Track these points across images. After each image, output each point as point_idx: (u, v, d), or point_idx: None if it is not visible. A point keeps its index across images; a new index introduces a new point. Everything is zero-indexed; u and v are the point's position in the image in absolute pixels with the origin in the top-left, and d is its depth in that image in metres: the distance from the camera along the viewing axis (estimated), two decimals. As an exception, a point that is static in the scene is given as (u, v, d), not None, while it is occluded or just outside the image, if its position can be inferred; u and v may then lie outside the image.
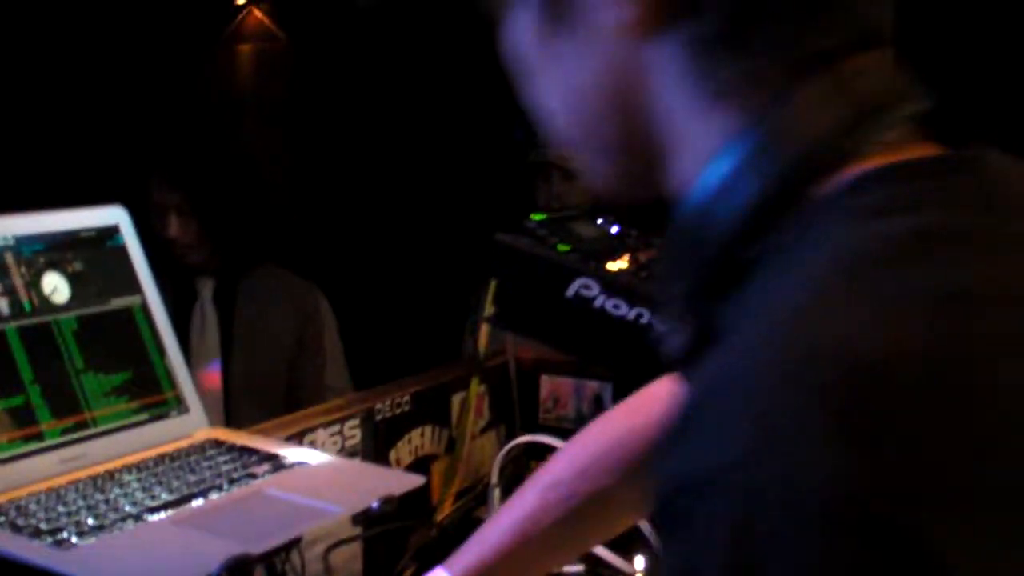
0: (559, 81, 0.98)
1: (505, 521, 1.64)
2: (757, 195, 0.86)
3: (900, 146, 0.87)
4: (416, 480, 1.80)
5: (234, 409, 3.42)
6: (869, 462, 0.65)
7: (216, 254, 3.48)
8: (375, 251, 5.66)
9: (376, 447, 2.36)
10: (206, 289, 3.51)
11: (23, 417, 1.69)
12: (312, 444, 2.16)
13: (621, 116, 0.95)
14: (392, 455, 2.43)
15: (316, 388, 3.64)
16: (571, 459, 1.69)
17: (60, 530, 1.51)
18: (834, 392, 0.67)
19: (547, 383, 2.80)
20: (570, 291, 2.21)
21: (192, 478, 1.70)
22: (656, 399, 1.61)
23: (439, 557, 2.32)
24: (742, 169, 0.87)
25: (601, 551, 2.21)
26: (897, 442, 0.65)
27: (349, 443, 2.27)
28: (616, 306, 2.17)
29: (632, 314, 2.16)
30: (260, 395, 3.49)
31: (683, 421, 0.73)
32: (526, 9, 0.98)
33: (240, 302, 3.52)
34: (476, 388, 2.64)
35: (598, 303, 2.19)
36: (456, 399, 2.64)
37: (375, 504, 1.65)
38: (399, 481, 1.79)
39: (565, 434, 2.41)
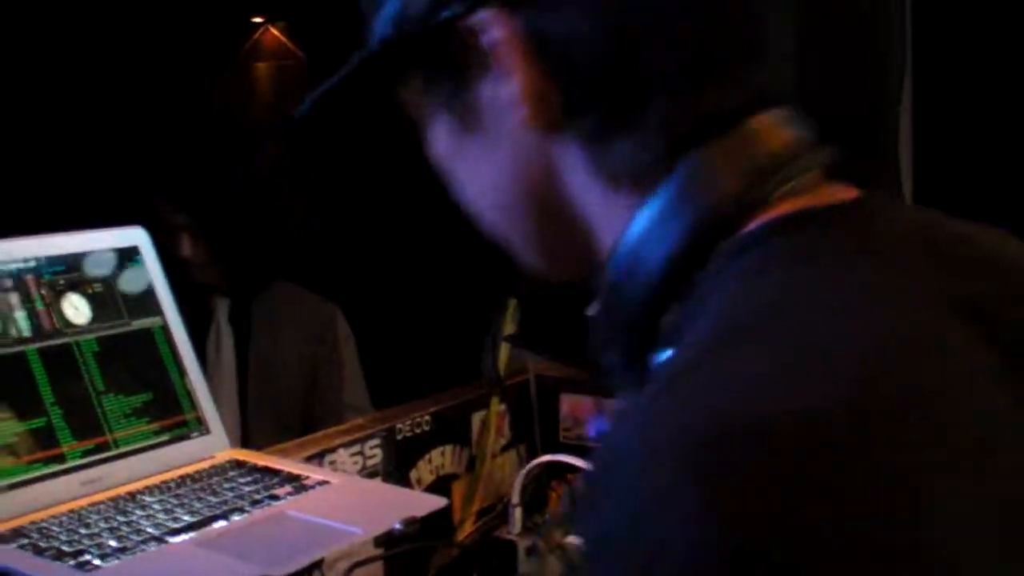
0: (477, 179, 1.04)
1: None
2: (664, 259, 0.88)
3: (805, 193, 0.89)
4: (438, 501, 1.79)
5: (251, 429, 3.41)
6: (733, 526, 0.66)
7: (229, 273, 3.47)
8: (393, 269, 5.66)
9: (397, 467, 2.35)
10: (221, 308, 3.50)
11: (44, 439, 1.69)
12: (333, 464, 2.16)
13: (537, 205, 0.99)
14: (413, 475, 2.42)
15: (334, 406, 3.62)
16: None
17: (83, 552, 1.50)
18: (701, 463, 0.67)
19: (567, 402, 2.79)
20: (591, 310, 2.20)
21: (214, 500, 1.69)
22: None
23: (460, 577, 2.34)
24: (649, 236, 0.90)
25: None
26: (763, 504, 0.66)
27: (370, 463, 2.27)
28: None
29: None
30: (277, 414, 3.48)
31: (587, 489, 0.75)
32: (441, 118, 1.03)
33: (255, 321, 3.50)
34: (496, 407, 2.63)
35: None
36: (476, 418, 2.63)
37: (397, 526, 1.65)
38: (421, 502, 1.79)
39: (585, 453, 2.41)
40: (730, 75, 0.91)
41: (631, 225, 0.91)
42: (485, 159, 1.01)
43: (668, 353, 0.86)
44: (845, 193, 0.91)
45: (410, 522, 1.65)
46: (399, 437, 2.37)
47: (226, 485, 1.75)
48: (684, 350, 0.80)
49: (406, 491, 2.26)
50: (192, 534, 1.59)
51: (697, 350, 0.78)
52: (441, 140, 1.05)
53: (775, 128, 0.91)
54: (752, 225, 0.87)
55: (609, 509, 0.71)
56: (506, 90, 0.94)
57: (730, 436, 0.68)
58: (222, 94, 6.03)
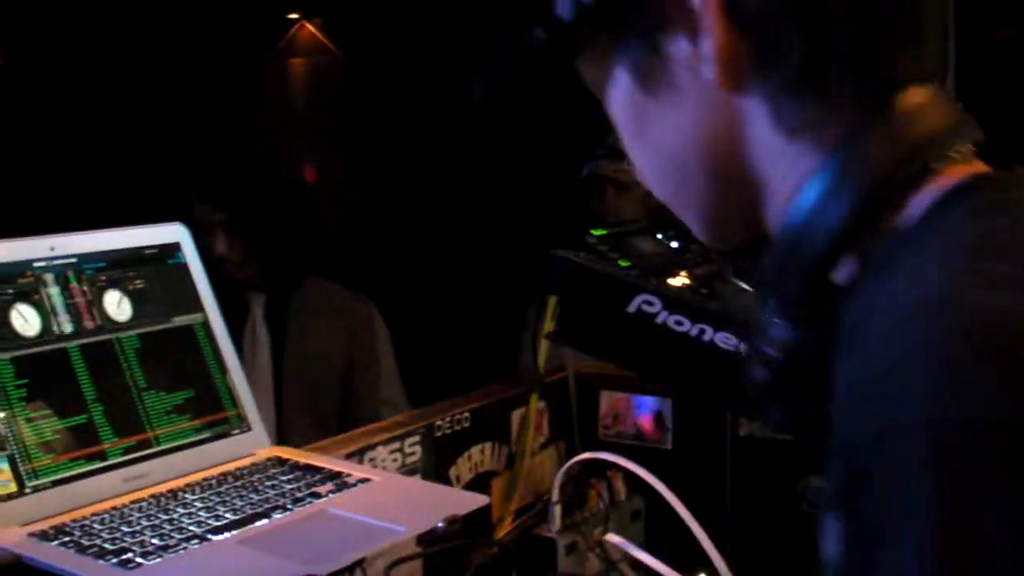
0: (655, 141, 1.09)
1: None
2: (847, 216, 0.96)
3: (968, 164, 0.98)
4: (480, 500, 1.78)
5: (287, 425, 3.41)
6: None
7: (264, 270, 3.47)
8: (428, 265, 5.65)
9: (436, 464, 2.34)
10: (258, 305, 3.50)
11: (86, 436, 1.68)
12: (372, 461, 2.15)
13: (714, 164, 1.05)
14: (452, 472, 2.41)
15: (370, 402, 3.62)
16: None
17: (125, 550, 1.50)
18: (998, 346, 0.77)
19: (607, 399, 2.77)
20: (631, 307, 2.19)
21: (256, 497, 1.69)
22: None
23: (499, 574, 2.32)
24: (829, 194, 0.97)
25: (663, 569, 2.18)
26: None
27: (409, 460, 2.26)
28: (679, 323, 2.15)
29: (695, 331, 2.14)
30: (313, 411, 3.48)
31: (857, 390, 0.82)
32: (622, 80, 1.08)
33: (291, 317, 3.50)
34: (535, 404, 2.62)
35: (660, 319, 2.17)
36: (516, 415, 2.62)
37: (440, 524, 1.63)
38: (463, 501, 1.78)
39: (624, 451, 2.39)
40: (904, 47, 0.99)
41: (810, 182, 0.97)
42: (668, 120, 1.06)
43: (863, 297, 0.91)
44: (984, 165, 1.00)
45: (452, 521, 1.64)
46: (438, 434, 2.36)
47: (268, 483, 1.75)
48: (933, 269, 0.85)
49: (448, 489, 2.25)
50: (235, 532, 1.58)
51: (950, 269, 0.84)
52: (621, 104, 1.10)
53: (941, 101, 0.99)
54: (929, 187, 0.95)
55: (895, 397, 0.78)
56: (699, 49, 1.00)
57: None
58: (257, 91, 6.02)
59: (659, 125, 1.07)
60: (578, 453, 2.46)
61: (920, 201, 0.95)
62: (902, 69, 0.99)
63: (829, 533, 0.84)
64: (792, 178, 0.99)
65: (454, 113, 5.33)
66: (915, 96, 0.98)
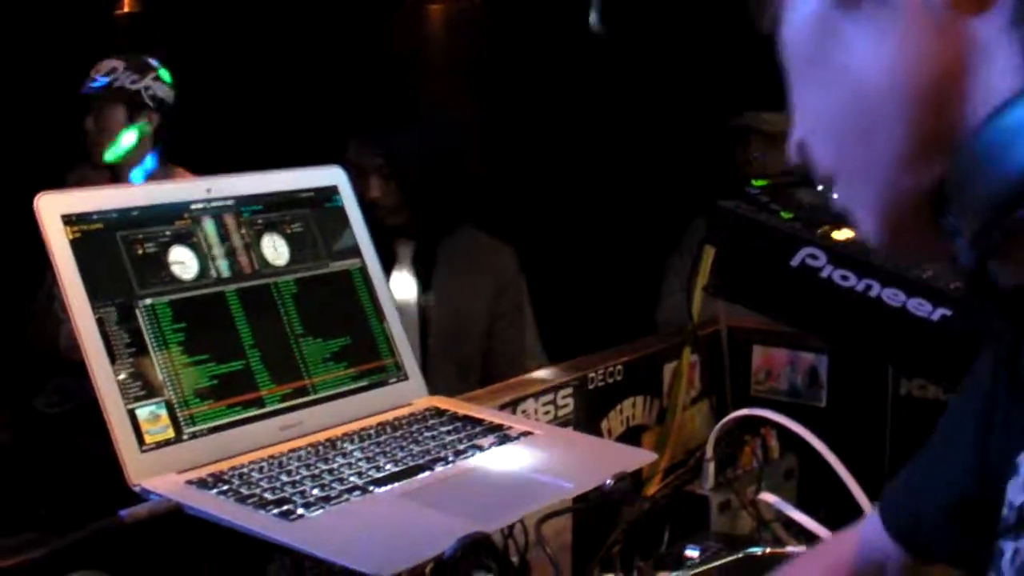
0: (842, 71, 0.87)
1: None
2: None
3: None
4: (648, 456, 1.73)
5: (431, 375, 3.37)
6: None
7: (416, 217, 3.42)
8: (563, 215, 5.58)
9: (588, 417, 2.29)
10: (405, 252, 3.46)
11: (243, 382, 1.65)
12: (524, 413, 2.09)
13: (925, 114, 0.83)
14: (603, 425, 2.35)
15: (515, 354, 3.58)
16: None
17: (286, 501, 1.46)
18: None
19: (760, 354, 2.70)
20: (795, 260, 2.13)
21: (416, 449, 1.64)
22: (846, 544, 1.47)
23: (650, 531, 2.27)
24: None
25: (820, 530, 2.12)
26: None
27: (562, 412, 2.20)
28: (844, 277, 2.08)
29: (861, 286, 2.07)
30: (457, 361, 3.44)
31: None
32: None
33: (439, 266, 3.46)
34: (688, 357, 2.55)
35: (825, 273, 2.11)
36: (668, 369, 2.55)
37: (609, 481, 1.58)
38: (631, 457, 1.72)
39: (780, 406, 2.32)
40: None
41: None
42: (867, 46, 0.84)
43: None
44: None
45: (621, 478, 1.58)
46: (591, 387, 2.31)
47: (427, 434, 1.70)
48: None
49: (614, 444, 2.19)
50: (396, 484, 1.53)
51: None
52: (802, 20, 0.89)
53: None
54: None
55: None
56: None
57: None
58: (398, 36, 5.98)
59: (853, 51, 0.85)
60: (729, 409, 2.40)
61: None
62: None
63: None
64: None
65: (597, 61, 5.27)
66: None
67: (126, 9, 5.47)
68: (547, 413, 2.17)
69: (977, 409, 1.13)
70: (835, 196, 0.93)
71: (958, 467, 1.16)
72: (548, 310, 4.18)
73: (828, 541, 1.54)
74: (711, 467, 2.31)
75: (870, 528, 1.36)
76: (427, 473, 1.57)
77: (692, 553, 2.11)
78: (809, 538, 2.15)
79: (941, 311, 2.00)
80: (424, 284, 3.44)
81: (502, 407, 2.02)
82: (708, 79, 4.98)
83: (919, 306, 2.02)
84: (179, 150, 3.83)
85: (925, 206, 0.84)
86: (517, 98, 5.55)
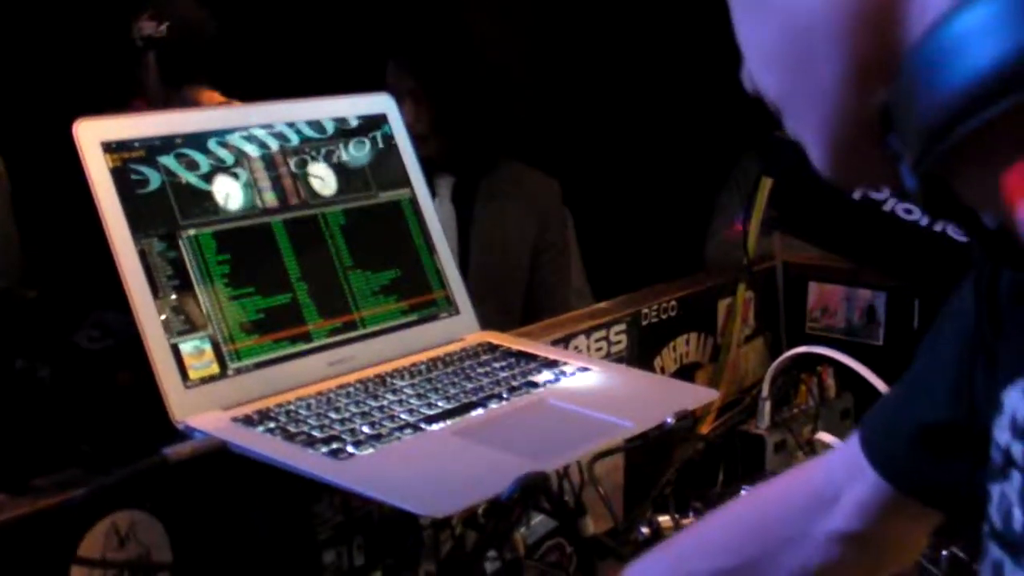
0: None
1: None
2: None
3: None
4: (710, 394, 1.68)
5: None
6: None
7: (451, 146, 3.34)
8: (612, 153, 5.52)
9: (640, 354, 2.23)
10: (445, 187, 3.38)
11: (290, 316, 1.59)
12: (576, 350, 2.04)
13: (862, 32, 0.77)
14: (656, 362, 2.30)
15: (558, 290, 3.51)
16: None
17: (335, 439, 1.40)
18: None
19: (816, 291, 2.63)
20: (857, 193, 2.06)
21: (469, 385, 1.58)
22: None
23: (704, 471, 2.21)
24: None
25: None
26: None
27: (615, 349, 2.15)
28: (908, 211, 2.02)
29: (925, 220, 2.01)
30: (499, 297, 3.37)
31: None
32: None
33: (479, 200, 3.38)
34: (743, 294, 2.49)
35: (888, 207, 2.05)
36: (722, 305, 2.49)
37: (670, 419, 1.52)
38: (692, 395, 1.67)
39: (835, 345, 2.26)
40: None
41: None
42: None
43: None
44: None
45: (682, 416, 1.52)
46: (644, 323, 2.25)
47: (480, 370, 1.64)
48: None
49: (673, 381, 2.13)
50: (449, 422, 1.48)
51: None
52: None
53: None
54: None
55: None
56: None
57: None
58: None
59: None
60: (784, 347, 2.34)
61: None
62: None
63: None
64: None
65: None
66: None
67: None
68: (599, 350, 2.11)
69: (962, 336, 1.08)
70: (786, 125, 0.88)
71: (941, 392, 1.11)
72: (597, 248, 4.12)
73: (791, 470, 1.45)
74: (767, 406, 2.25)
75: (842, 454, 1.28)
76: (481, 410, 1.51)
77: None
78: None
79: (1009, 246, 1.93)
80: (464, 221, 3.36)
81: (554, 343, 1.97)
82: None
83: (986, 240, 1.95)
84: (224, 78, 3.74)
85: (870, 130, 0.78)
86: (566, 33, 5.47)
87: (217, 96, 3.44)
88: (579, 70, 5.50)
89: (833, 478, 1.27)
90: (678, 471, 2.20)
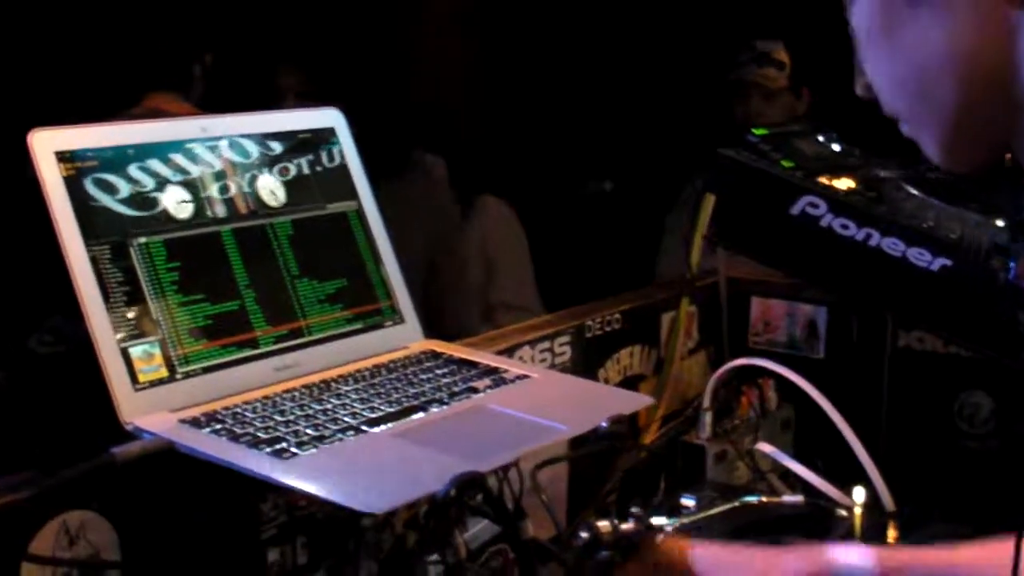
0: (906, 46, 1.01)
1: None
2: None
3: None
4: (644, 400, 1.73)
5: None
6: None
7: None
8: (565, 169, 5.57)
9: (585, 365, 2.28)
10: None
11: (238, 323, 1.63)
12: (521, 360, 2.09)
13: (972, 82, 0.98)
14: (600, 374, 2.35)
15: (451, 304, 3.50)
16: None
17: (279, 440, 1.45)
18: None
19: (758, 305, 2.69)
20: (795, 209, 2.12)
21: (411, 390, 1.63)
22: None
23: (646, 481, 2.26)
24: None
25: (817, 481, 2.12)
26: None
27: (559, 360, 2.20)
28: (844, 226, 2.08)
29: (860, 235, 2.07)
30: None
31: None
32: None
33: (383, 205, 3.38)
34: (686, 308, 2.54)
35: (824, 222, 2.10)
36: (666, 319, 2.55)
37: (604, 424, 1.57)
38: (627, 400, 1.72)
39: (777, 358, 2.32)
40: None
41: None
42: (925, 23, 0.98)
43: None
44: None
45: (616, 420, 1.57)
46: (588, 335, 2.30)
47: (423, 376, 1.69)
48: None
49: (609, 388, 2.19)
50: (390, 425, 1.52)
51: None
52: (873, 6, 1.03)
53: None
54: None
55: None
56: None
57: None
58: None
59: (913, 28, 0.99)
60: (727, 360, 2.39)
61: None
62: None
63: None
64: None
65: (601, 12, 5.25)
66: None
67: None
68: (544, 361, 2.16)
69: None
70: (903, 129, 1.08)
71: None
72: (549, 267, 4.18)
73: None
74: (708, 416, 2.30)
75: None
76: (421, 414, 1.56)
77: (688, 502, 2.11)
78: (805, 488, 2.14)
79: (941, 261, 1.99)
80: None
81: (498, 354, 2.02)
82: (708, 32, 4.97)
83: (919, 256, 2.01)
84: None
85: (976, 137, 1.03)
86: (516, 47, 5.52)
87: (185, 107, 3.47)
88: (534, 90, 5.55)
89: None
90: (621, 480, 2.25)
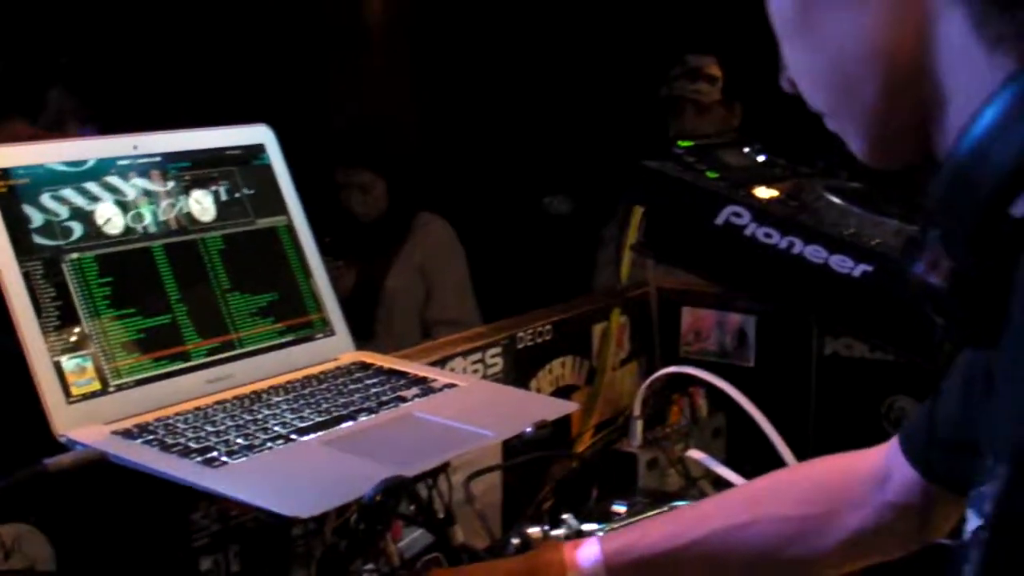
0: (824, 38, 1.01)
1: (676, 517, 1.66)
2: None
3: None
4: (569, 406, 1.76)
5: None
6: None
7: None
8: (503, 184, 5.61)
9: (517, 376, 2.32)
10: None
11: (170, 336, 1.66)
12: (451, 371, 2.12)
13: (892, 73, 0.98)
14: (532, 385, 2.39)
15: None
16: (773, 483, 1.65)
17: (210, 449, 1.48)
18: None
19: (689, 315, 2.73)
20: (719, 219, 2.16)
21: (341, 400, 1.66)
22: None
23: (579, 489, 2.30)
24: (1016, 114, 0.87)
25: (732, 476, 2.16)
26: None
27: (490, 371, 2.23)
28: (767, 235, 2.12)
29: (783, 243, 2.11)
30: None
31: None
32: None
33: None
34: (617, 319, 2.58)
35: (748, 231, 2.14)
36: (597, 329, 2.58)
37: (528, 430, 1.61)
38: (552, 407, 1.75)
39: (706, 368, 2.36)
40: None
41: (994, 101, 0.88)
42: (843, 15, 0.98)
43: None
44: None
45: (541, 426, 1.61)
46: (520, 346, 2.34)
47: (352, 386, 1.72)
48: None
49: (535, 395, 2.23)
50: (320, 433, 1.56)
51: None
52: (789, 2, 1.03)
53: None
54: None
55: None
56: None
57: None
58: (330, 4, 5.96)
59: (832, 20, 0.99)
60: (659, 369, 2.43)
61: None
62: None
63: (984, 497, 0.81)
64: (983, 95, 0.89)
65: (532, 31, 5.29)
66: None
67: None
68: (476, 372, 2.20)
69: (967, 377, 1.32)
70: (827, 124, 1.09)
71: (954, 406, 1.33)
72: (490, 281, 4.21)
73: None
74: (639, 425, 2.34)
75: (896, 442, 1.50)
76: (350, 423, 1.60)
77: (619, 508, 2.14)
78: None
79: (862, 267, 2.04)
80: None
81: (431, 365, 2.05)
82: (643, 48, 5.02)
83: (841, 263, 2.06)
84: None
85: (899, 129, 1.02)
86: (454, 66, 5.56)
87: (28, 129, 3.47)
88: (471, 107, 5.59)
89: (888, 460, 1.49)
90: (554, 489, 2.28)
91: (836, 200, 2.20)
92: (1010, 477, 0.78)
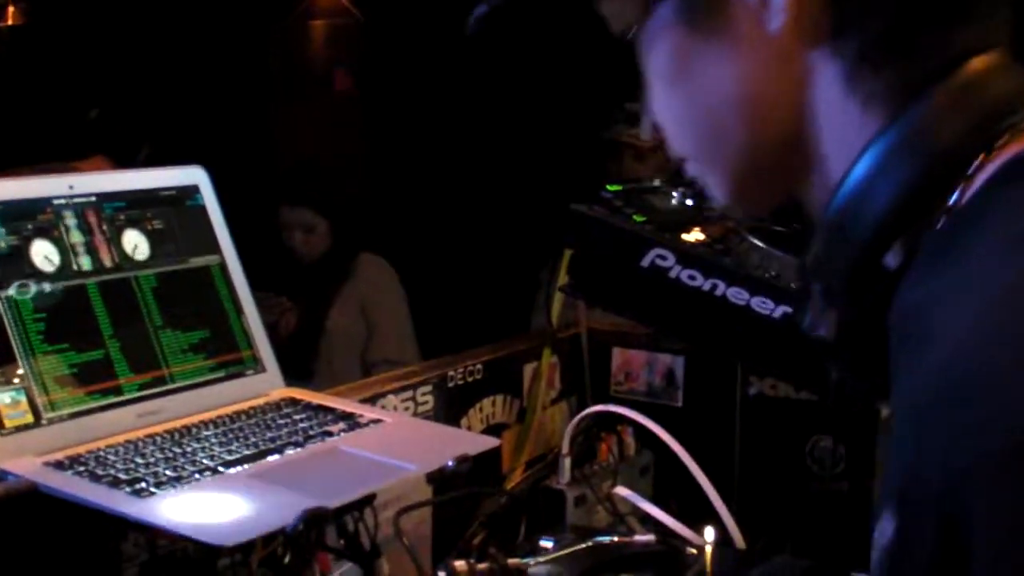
0: (695, 89, 1.01)
1: None
2: (896, 197, 0.90)
3: None
4: (491, 441, 1.80)
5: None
6: None
7: None
8: (445, 226, 5.65)
9: (448, 414, 2.36)
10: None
11: (102, 371, 1.71)
12: (383, 408, 2.16)
13: (761, 126, 0.99)
14: (463, 423, 2.43)
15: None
16: None
17: (139, 480, 1.52)
18: None
19: (619, 356, 2.79)
20: (645, 261, 2.20)
21: (269, 434, 1.71)
22: None
23: (509, 525, 2.34)
24: (882, 170, 0.91)
25: (671, 522, 2.20)
26: None
27: (421, 409, 2.28)
28: (692, 277, 2.16)
29: (707, 285, 2.15)
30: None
31: (948, 392, 0.76)
32: (665, 15, 1.01)
33: None
34: (548, 358, 2.63)
35: (673, 274, 2.18)
36: (528, 369, 2.63)
37: (450, 463, 1.65)
38: (474, 442, 1.80)
39: (635, 407, 2.41)
40: (975, 15, 0.93)
41: (864, 154, 0.91)
42: (715, 68, 0.98)
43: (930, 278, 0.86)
44: None
45: (462, 460, 1.66)
46: (451, 385, 2.38)
47: (280, 421, 1.77)
48: (1000, 258, 0.80)
49: (459, 431, 2.27)
50: (247, 466, 1.60)
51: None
52: (660, 43, 1.02)
53: (1005, 68, 0.93)
54: (994, 161, 0.89)
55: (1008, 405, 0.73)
56: None
57: None
58: (276, 49, 6.02)
59: (704, 73, 0.99)
60: (589, 407, 2.48)
61: (980, 177, 0.88)
62: (975, 38, 0.93)
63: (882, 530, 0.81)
64: (856, 151, 0.92)
65: (472, 76, 5.34)
66: (979, 64, 0.92)
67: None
68: (407, 409, 2.24)
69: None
70: (688, 169, 1.09)
71: None
72: (429, 322, 4.25)
73: None
74: (567, 462, 2.38)
75: None
76: (277, 456, 1.64)
77: (547, 543, 2.18)
78: (661, 529, 2.22)
79: (782, 308, 2.09)
80: None
81: (362, 402, 2.09)
82: (582, 94, 5.08)
83: (762, 304, 2.10)
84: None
85: (761, 180, 1.03)
86: (395, 112, 5.60)
87: None
88: (414, 149, 5.64)
89: None
90: (483, 524, 2.32)
91: (760, 243, 2.24)
92: (897, 528, 0.78)
